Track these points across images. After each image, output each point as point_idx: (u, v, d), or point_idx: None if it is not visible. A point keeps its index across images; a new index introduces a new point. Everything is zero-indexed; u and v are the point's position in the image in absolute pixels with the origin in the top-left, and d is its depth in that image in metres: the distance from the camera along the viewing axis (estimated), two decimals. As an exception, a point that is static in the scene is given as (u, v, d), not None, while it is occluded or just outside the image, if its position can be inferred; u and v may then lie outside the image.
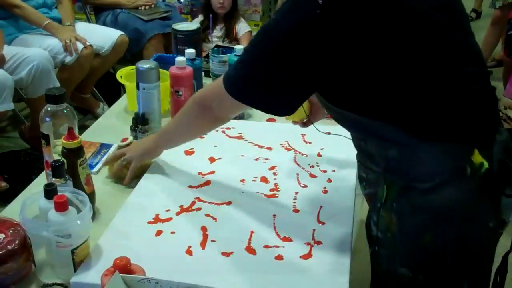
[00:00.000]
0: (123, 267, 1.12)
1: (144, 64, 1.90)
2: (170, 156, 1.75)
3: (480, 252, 1.25)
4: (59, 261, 1.27)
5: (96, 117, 3.65)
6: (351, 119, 1.24)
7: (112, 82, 3.90)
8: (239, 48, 2.10)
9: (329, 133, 1.84)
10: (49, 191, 1.29)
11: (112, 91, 3.76)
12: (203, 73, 2.15)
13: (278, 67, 1.16)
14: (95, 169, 1.72)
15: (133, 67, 2.15)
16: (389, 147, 1.21)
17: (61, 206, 1.24)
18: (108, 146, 1.84)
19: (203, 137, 1.86)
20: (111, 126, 2.02)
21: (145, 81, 1.89)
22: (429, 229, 1.20)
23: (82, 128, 2.95)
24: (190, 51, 2.04)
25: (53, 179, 1.38)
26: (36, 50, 3.15)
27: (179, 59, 1.96)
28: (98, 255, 1.32)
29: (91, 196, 1.49)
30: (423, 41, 1.14)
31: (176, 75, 1.96)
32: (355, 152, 1.45)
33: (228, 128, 1.91)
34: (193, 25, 2.40)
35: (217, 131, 1.89)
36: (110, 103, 3.73)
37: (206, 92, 1.47)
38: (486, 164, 1.19)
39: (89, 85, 3.72)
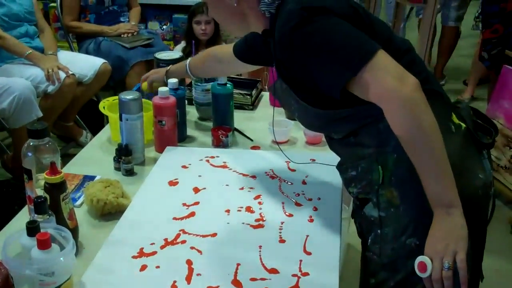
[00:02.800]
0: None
1: (127, 95, 1.89)
2: (154, 187, 1.74)
3: (477, 207, 1.36)
4: (42, 300, 1.25)
5: (79, 145, 3.64)
6: (347, 115, 1.37)
7: (95, 110, 3.86)
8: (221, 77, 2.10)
9: (313, 160, 1.85)
10: (32, 229, 1.27)
11: (95, 119, 3.75)
12: (186, 101, 2.14)
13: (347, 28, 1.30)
14: (78, 202, 1.70)
15: (116, 97, 2.14)
16: (380, 119, 1.29)
17: (44, 244, 1.22)
18: (92, 178, 1.82)
19: (187, 167, 1.85)
20: (94, 158, 2.00)
21: (128, 112, 1.88)
22: None
23: (65, 156, 2.92)
24: (173, 80, 2.04)
25: (36, 215, 1.36)
26: (18, 80, 3.14)
27: (162, 89, 1.96)
28: (82, 292, 1.31)
29: (74, 231, 1.48)
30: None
31: (159, 105, 1.95)
32: (339, 178, 1.55)
33: (212, 157, 1.91)
34: (175, 53, 2.40)
35: (201, 160, 1.89)
36: (93, 131, 3.74)
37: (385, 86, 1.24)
38: (463, 125, 1.40)
39: (72, 113, 3.70)
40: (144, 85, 2.14)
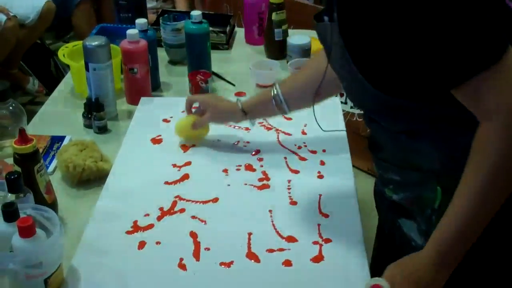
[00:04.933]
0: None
1: (93, 41, 1.65)
2: (135, 147, 1.54)
3: None
4: (31, 295, 1.07)
5: (27, 93, 3.41)
6: (415, 108, 1.04)
7: (40, 53, 3.61)
8: (196, 14, 1.86)
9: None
10: (9, 213, 1.07)
11: (41, 63, 3.49)
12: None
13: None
14: (49, 169, 1.49)
15: (76, 43, 1.92)
16: (462, 132, 1.02)
17: (27, 231, 1.03)
18: (60, 138, 1.60)
19: (169, 121, 1.65)
20: (59, 114, 1.76)
21: (95, 60, 1.65)
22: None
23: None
24: (142, 21, 1.79)
25: (9, 194, 1.15)
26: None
27: (131, 31, 1.72)
28: (75, 279, 1.13)
29: (53, 205, 1.29)
30: None
31: (129, 51, 1.72)
32: (341, 122, 1.46)
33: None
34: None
35: (183, 111, 1.68)
36: (40, 77, 3.46)
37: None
38: None
39: (16, 59, 3.41)
40: (179, 126, 1.56)
